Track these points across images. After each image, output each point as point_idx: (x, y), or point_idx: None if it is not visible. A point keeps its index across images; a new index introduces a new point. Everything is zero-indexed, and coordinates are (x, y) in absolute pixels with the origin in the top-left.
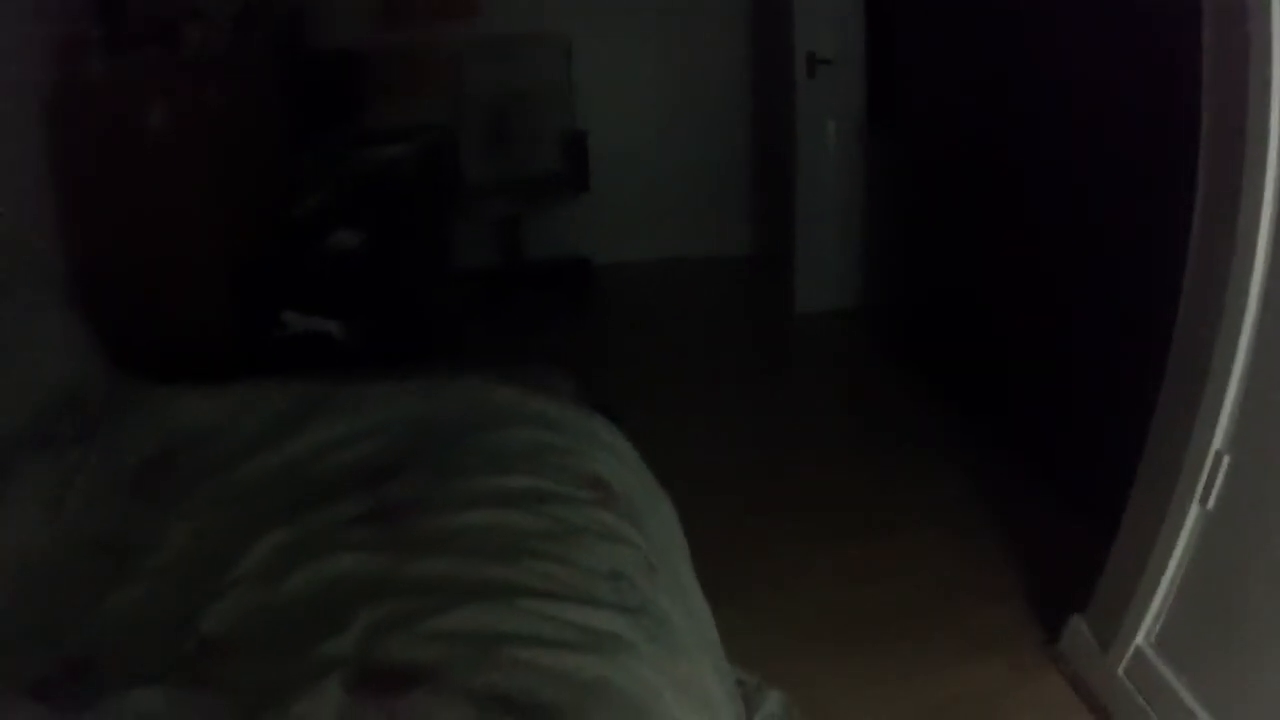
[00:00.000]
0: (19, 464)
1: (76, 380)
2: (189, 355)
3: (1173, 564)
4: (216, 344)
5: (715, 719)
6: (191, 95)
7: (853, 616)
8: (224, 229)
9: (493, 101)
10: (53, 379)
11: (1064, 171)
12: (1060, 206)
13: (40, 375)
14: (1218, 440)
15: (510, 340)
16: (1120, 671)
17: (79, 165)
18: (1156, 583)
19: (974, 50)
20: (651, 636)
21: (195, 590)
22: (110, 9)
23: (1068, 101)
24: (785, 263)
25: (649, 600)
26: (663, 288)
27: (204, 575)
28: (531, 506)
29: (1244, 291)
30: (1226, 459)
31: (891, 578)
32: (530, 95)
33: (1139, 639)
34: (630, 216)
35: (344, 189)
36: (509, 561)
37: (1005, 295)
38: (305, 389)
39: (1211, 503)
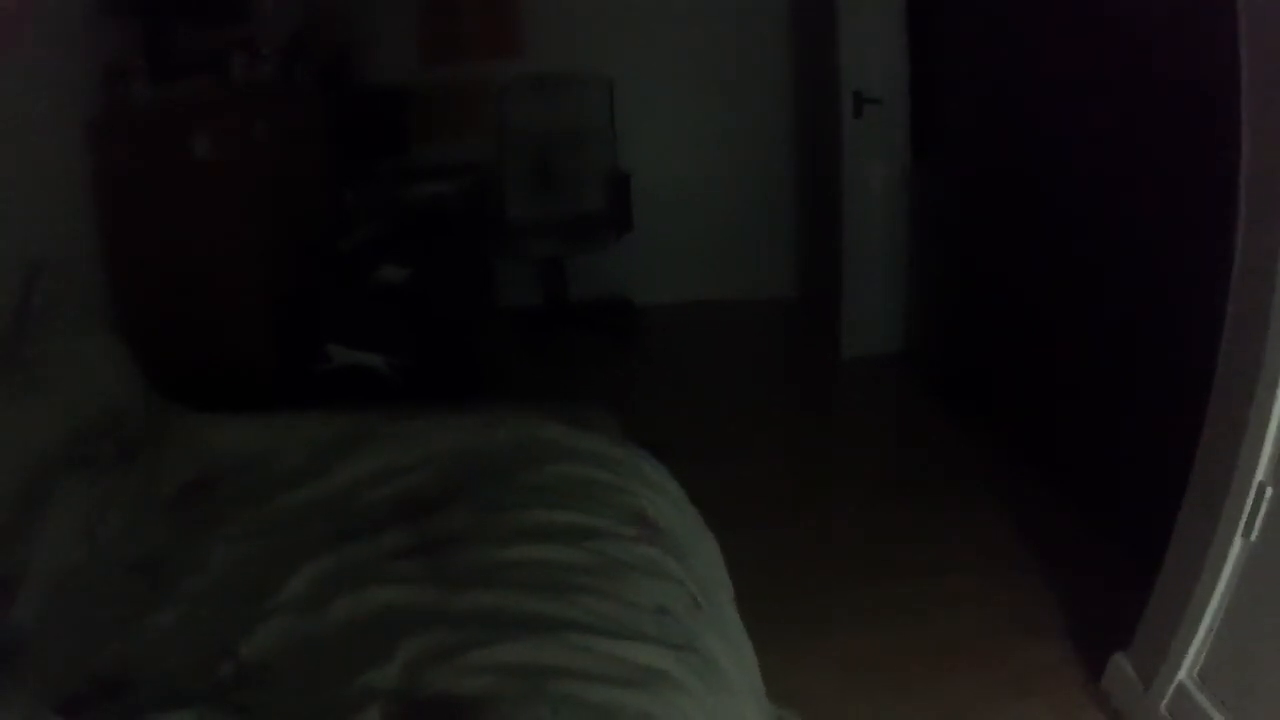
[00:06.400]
0: (58, 485)
1: (117, 404)
2: (231, 384)
3: (1216, 598)
4: (259, 374)
5: None
6: (237, 125)
7: (896, 657)
8: (268, 260)
9: (536, 140)
10: (94, 402)
11: (1112, 211)
12: (1108, 249)
13: (81, 398)
14: (1260, 472)
15: (553, 379)
16: (1163, 708)
17: (124, 192)
18: (1200, 617)
19: (1020, 89)
20: (696, 673)
21: (234, 615)
22: (157, 38)
23: (1113, 143)
24: (831, 306)
25: (694, 637)
26: (706, 329)
27: (243, 601)
28: (577, 542)
29: None
30: (1270, 491)
31: (935, 618)
32: (574, 135)
33: (1182, 674)
34: (674, 258)
35: (390, 224)
36: (555, 596)
37: (1050, 335)
38: (349, 420)
39: (1255, 535)
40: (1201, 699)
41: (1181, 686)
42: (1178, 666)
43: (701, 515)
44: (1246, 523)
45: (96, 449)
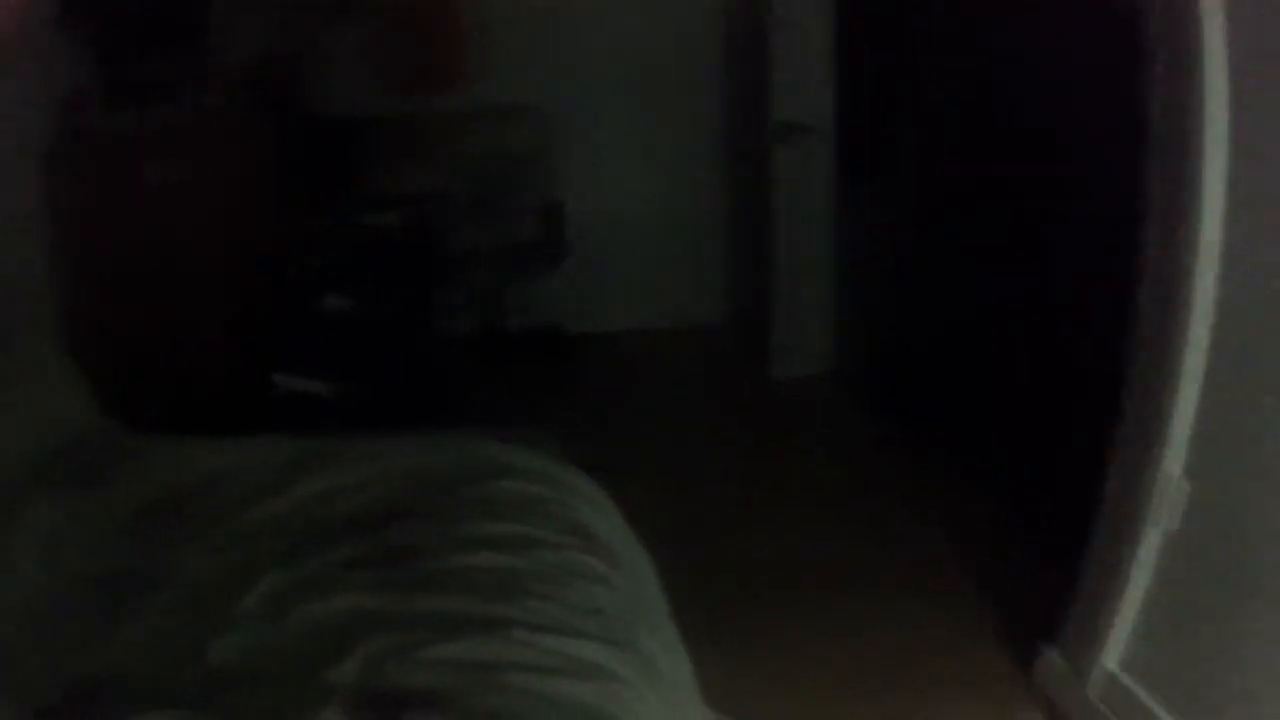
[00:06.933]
0: (17, 508)
1: (73, 428)
2: (181, 410)
3: (1139, 588)
4: (208, 400)
5: None
6: (190, 154)
7: (833, 669)
8: (218, 287)
9: (475, 171)
10: (50, 426)
11: (1033, 230)
12: (1041, 266)
13: (37, 422)
14: (1175, 466)
15: (493, 406)
16: (1095, 697)
17: (77, 217)
18: (1124, 607)
19: (949, 109)
20: (634, 669)
21: (200, 626)
22: (111, 65)
23: (1047, 159)
24: (762, 328)
25: (632, 637)
26: (640, 355)
27: (208, 612)
28: (520, 551)
29: (1194, 321)
30: (1186, 484)
31: (872, 628)
32: (509, 166)
33: (1111, 664)
34: (608, 285)
35: (337, 253)
36: (501, 599)
37: (969, 350)
38: (301, 443)
39: (1174, 526)
40: (1132, 685)
41: (1112, 675)
42: (1106, 656)
43: (638, 532)
44: (1165, 516)
45: (54, 473)
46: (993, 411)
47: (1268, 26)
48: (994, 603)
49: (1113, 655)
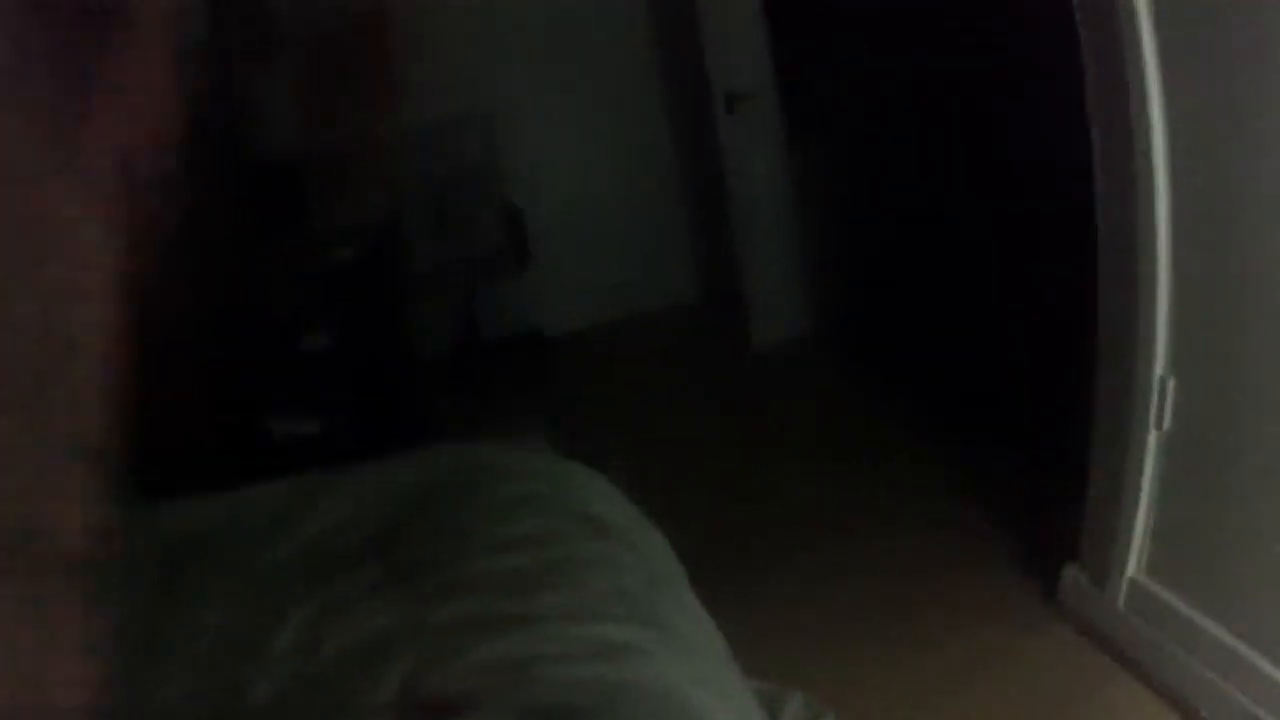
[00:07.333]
0: None
1: None
2: (178, 470)
3: (1145, 492)
4: (204, 457)
5: (743, 713)
6: (148, 221)
7: (857, 611)
8: (198, 345)
9: (430, 188)
10: None
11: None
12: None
13: None
14: (1159, 366)
15: (479, 416)
16: (1121, 605)
17: None
18: (1134, 513)
19: (885, 67)
20: (663, 643)
21: (236, 671)
22: None
23: (980, 103)
24: (736, 301)
25: (657, 613)
26: (620, 346)
27: (243, 657)
28: (533, 548)
29: (1155, 221)
30: (1172, 382)
31: (889, 569)
32: (462, 177)
33: (1131, 570)
34: (578, 283)
35: (304, 292)
36: (522, 597)
37: (941, 287)
38: (302, 482)
39: (1167, 425)
40: (1156, 588)
41: (1134, 582)
42: (1126, 563)
43: (644, 510)
44: (1157, 416)
45: None
46: (968, 348)
47: None
48: (1011, 532)
49: (1131, 562)
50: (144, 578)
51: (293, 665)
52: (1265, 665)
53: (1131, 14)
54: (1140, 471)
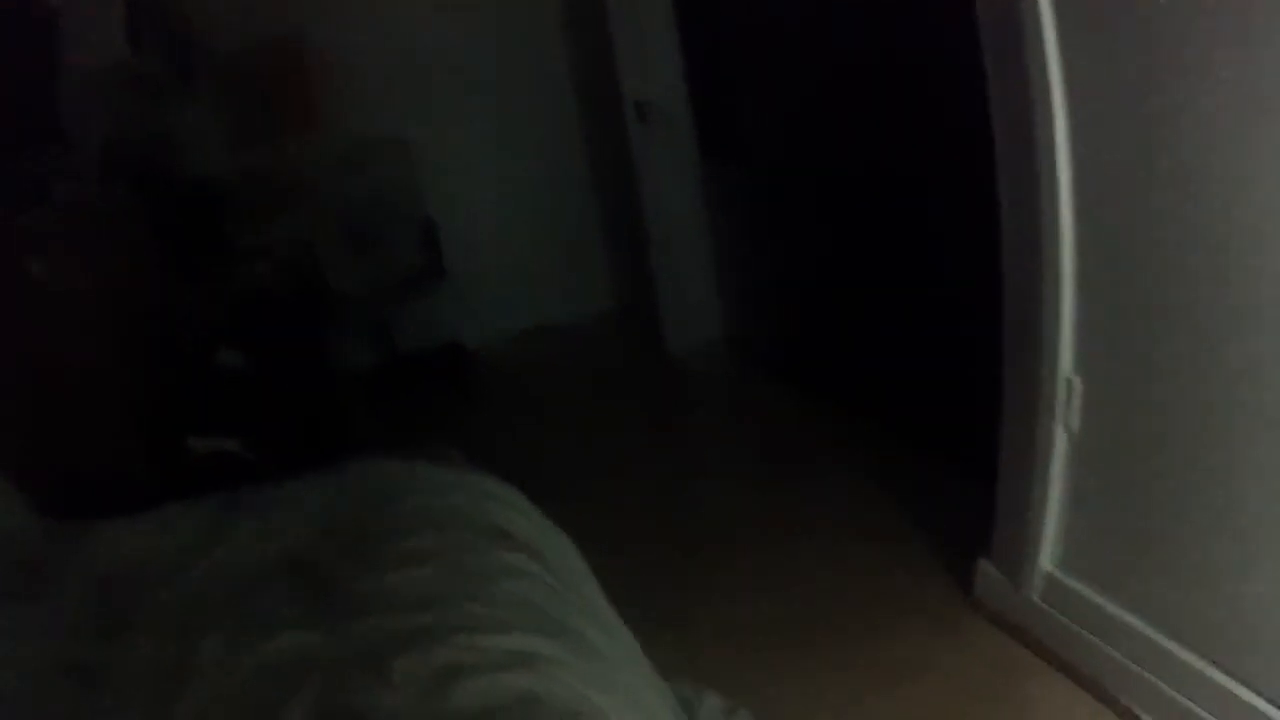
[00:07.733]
0: None
1: (6, 528)
2: (103, 494)
3: (1054, 490)
4: (128, 479)
5: (651, 716)
6: (71, 248)
7: (781, 615)
8: (118, 368)
9: (345, 207)
10: None
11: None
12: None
13: None
14: (1065, 367)
15: (398, 431)
16: (1037, 599)
17: None
18: (1044, 509)
19: (793, 74)
20: (570, 651)
21: (163, 693)
22: None
23: (884, 110)
24: (650, 308)
25: (563, 621)
26: (538, 356)
27: (169, 679)
28: (440, 561)
29: (1057, 220)
30: (1079, 382)
31: (809, 573)
32: (378, 195)
33: (1045, 564)
34: (496, 295)
35: (220, 311)
36: (435, 609)
37: (852, 291)
38: (218, 502)
39: (1075, 424)
40: (1070, 581)
41: (1049, 575)
42: (1039, 557)
43: (562, 521)
44: (1064, 416)
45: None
46: (880, 352)
47: None
48: (928, 532)
49: (1044, 556)
50: (77, 613)
51: (212, 684)
52: (1180, 651)
53: (1033, 10)
54: (1048, 470)
